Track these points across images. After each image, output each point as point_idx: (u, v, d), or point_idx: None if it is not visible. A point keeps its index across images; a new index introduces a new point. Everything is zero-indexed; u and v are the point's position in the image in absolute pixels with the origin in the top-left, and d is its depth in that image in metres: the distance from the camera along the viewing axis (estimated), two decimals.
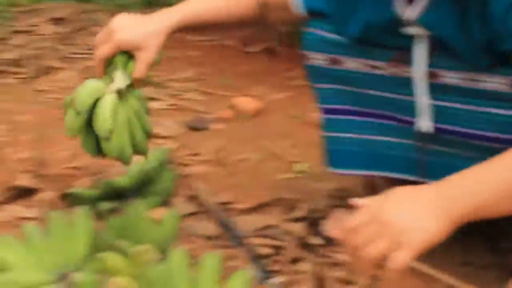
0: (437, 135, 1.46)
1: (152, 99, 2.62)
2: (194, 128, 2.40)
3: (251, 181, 2.03)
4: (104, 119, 1.51)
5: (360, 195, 1.81)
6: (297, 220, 1.78)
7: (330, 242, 1.65)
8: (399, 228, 1.05)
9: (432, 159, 1.52)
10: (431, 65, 1.40)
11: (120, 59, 1.59)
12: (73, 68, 3.10)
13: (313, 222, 1.76)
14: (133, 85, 1.59)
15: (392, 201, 1.10)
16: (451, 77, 1.39)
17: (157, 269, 1.32)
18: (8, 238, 1.55)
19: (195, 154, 2.21)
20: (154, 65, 1.62)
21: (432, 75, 1.41)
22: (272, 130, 2.35)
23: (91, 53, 3.23)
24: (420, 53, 1.39)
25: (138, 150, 1.62)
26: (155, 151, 1.95)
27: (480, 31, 1.26)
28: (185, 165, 2.13)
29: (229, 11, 1.66)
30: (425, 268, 1.56)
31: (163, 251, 1.42)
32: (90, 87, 1.57)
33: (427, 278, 1.54)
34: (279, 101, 2.62)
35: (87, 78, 2.80)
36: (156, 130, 2.32)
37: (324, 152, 1.69)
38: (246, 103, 2.52)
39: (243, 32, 3.27)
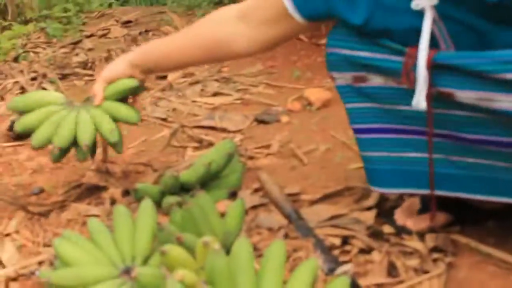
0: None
1: (219, 94, 2.64)
2: (262, 121, 2.38)
3: (319, 171, 2.01)
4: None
5: None
6: (367, 209, 1.74)
7: (401, 231, 1.62)
8: None
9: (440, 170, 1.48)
10: (443, 84, 1.35)
11: None
12: None
13: (384, 211, 1.73)
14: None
15: None
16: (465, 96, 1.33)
17: (220, 261, 1.30)
18: (75, 234, 1.57)
19: (263, 147, 2.20)
20: (133, 91, 1.88)
21: (448, 94, 1.36)
22: (342, 120, 2.30)
23: None
24: (426, 31, 1.33)
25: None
26: (222, 145, 1.95)
27: None
28: (253, 158, 2.13)
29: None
30: (502, 254, 1.50)
31: (228, 244, 1.40)
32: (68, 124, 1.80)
33: (506, 265, 1.48)
34: None
35: (157, 76, 2.91)
36: (224, 124, 2.34)
37: (366, 173, 1.65)
38: (315, 94, 2.49)
39: None
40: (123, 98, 1.87)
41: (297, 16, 1.52)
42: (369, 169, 1.63)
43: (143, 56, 1.78)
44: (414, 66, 1.36)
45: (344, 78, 1.53)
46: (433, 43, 1.34)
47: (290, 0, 1.51)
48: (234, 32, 1.65)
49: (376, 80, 1.48)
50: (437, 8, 1.31)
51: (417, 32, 1.34)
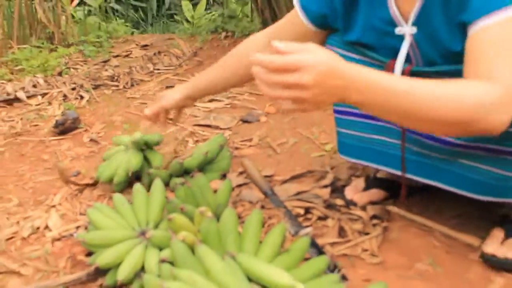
0: (409, 135, 1.40)
1: (214, 100, 2.64)
2: (246, 121, 2.38)
3: (289, 159, 2.01)
4: None
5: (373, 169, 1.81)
6: (324, 187, 1.74)
7: (349, 203, 1.63)
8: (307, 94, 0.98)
9: (411, 157, 1.44)
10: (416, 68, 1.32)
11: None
12: (155, 80, 3.12)
13: (337, 188, 1.73)
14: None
15: (317, 71, 0.97)
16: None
17: (213, 225, 1.31)
18: (102, 205, 1.57)
19: (246, 140, 2.19)
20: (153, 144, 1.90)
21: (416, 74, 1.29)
22: (306, 121, 2.32)
23: (169, 70, 3.29)
24: (404, 50, 1.30)
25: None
26: (215, 138, 1.95)
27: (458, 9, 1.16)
28: (238, 148, 2.12)
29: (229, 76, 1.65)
30: (423, 220, 1.52)
31: (219, 213, 1.41)
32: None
33: (426, 228, 1.51)
34: None
35: (166, 87, 2.91)
36: (217, 123, 2.34)
37: (338, 143, 1.64)
38: None
39: None
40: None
41: (308, 24, 1.47)
42: (341, 142, 1.62)
43: (194, 88, 1.68)
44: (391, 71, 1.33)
45: None
46: (408, 60, 1.32)
47: (301, 9, 1.47)
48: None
49: None
50: (414, 36, 1.29)
51: (397, 50, 1.31)
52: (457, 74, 1.14)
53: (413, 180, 1.48)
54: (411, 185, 1.59)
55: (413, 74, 1.27)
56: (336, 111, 1.59)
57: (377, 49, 1.38)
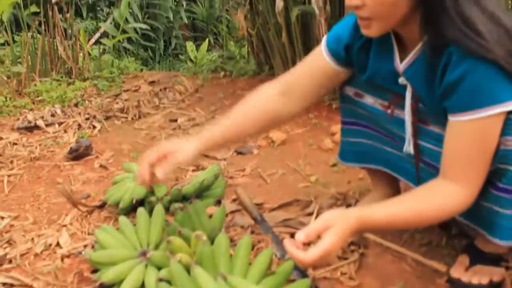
0: (423, 161, 1.38)
1: None
2: (240, 153, 2.37)
3: (277, 188, 2.00)
4: None
5: (353, 198, 1.80)
6: (308, 214, 1.74)
7: None
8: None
9: (422, 175, 1.40)
10: (421, 115, 1.31)
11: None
12: (161, 113, 3.12)
13: (320, 215, 1.71)
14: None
15: (341, 243, 1.12)
16: (435, 127, 1.29)
17: (207, 248, 1.30)
18: (109, 226, 1.56)
19: (240, 170, 2.18)
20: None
21: (422, 121, 1.32)
22: (295, 154, 2.32)
23: (173, 104, 3.29)
24: (408, 98, 1.31)
25: None
26: (212, 168, 1.95)
27: (439, 86, 1.17)
28: (232, 177, 2.11)
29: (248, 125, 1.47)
30: (397, 247, 1.51)
31: (213, 237, 1.40)
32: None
33: (399, 254, 1.50)
34: (300, 133, 2.58)
35: (170, 120, 2.91)
36: (214, 154, 2.33)
37: (339, 151, 1.65)
38: (276, 135, 2.49)
39: None
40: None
41: (331, 62, 1.42)
42: (344, 149, 1.62)
43: (207, 143, 1.43)
44: (395, 105, 1.35)
45: (350, 90, 1.49)
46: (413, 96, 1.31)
47: (327, 48, 1.42)
48: (279, 109, 1.46)
49: (368, 99, 1.45)
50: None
51: (400, 92, 1.32)
52: None
53: None
54: None
55: (419, 111, 1.30)
56: (344, 122, 1.59)
57: (384, 88, 1.38)
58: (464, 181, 1.16)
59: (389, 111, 1.38)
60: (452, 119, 1.16)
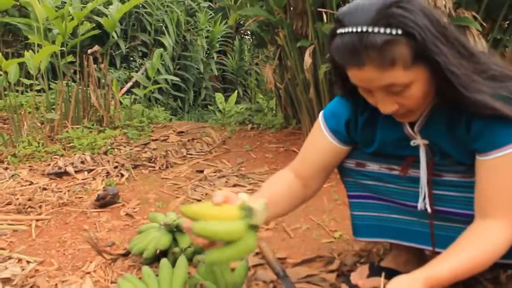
0: (437, 214, 1.40)
1: (238, 185, 2.65)
2: None
3: (301, 243, 2.00)
4: None
5: (377, 256, 1.78)
6: (331, 271, 1.73)
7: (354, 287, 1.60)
8: None
9: (436, 232, 1.44)
10: (436, 168, 1.36)
11: None
12: (188, 164, 3.16)
13: (343, 273, 1.71)
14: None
15: None
16: (450, 176, 1.35)
17: None
18: (132, 276, 1.57)
19: (264, 224, 2.16)
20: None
21: (436, 174, 1.36)
22: (319, 209, 2.33)
23: (200, 155, 3.33)
24: (423, 158, 1.35)
25: None
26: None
27: (467, 133, 1.24)
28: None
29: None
30: None
31: None
32: None
33: None
34: (325, 188, 2.58)
35: (196, 170, 2.94)
36: None
37: (352, 228, 1.62)
38: None
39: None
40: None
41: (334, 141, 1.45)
42: (356, 225, 1.60)
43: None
44: (410, 164, 1.38)
45: (348, 162, 1.51)
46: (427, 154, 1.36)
47: (329, 131, 1.44)
48: (301, 191, 1.49)
49: (372, 167, 1.47)
50: (428, 144, 1.34)
51: (412, 154, 1.36)
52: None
53: None
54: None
55: (435, 164, 1.34)
56: (350, 196, 1.58)
57: (395, 155, 1.41)
58: (507, 215, 1.21)
59: (402, 173, 1.41)
60: (483, 158, 1.22)
